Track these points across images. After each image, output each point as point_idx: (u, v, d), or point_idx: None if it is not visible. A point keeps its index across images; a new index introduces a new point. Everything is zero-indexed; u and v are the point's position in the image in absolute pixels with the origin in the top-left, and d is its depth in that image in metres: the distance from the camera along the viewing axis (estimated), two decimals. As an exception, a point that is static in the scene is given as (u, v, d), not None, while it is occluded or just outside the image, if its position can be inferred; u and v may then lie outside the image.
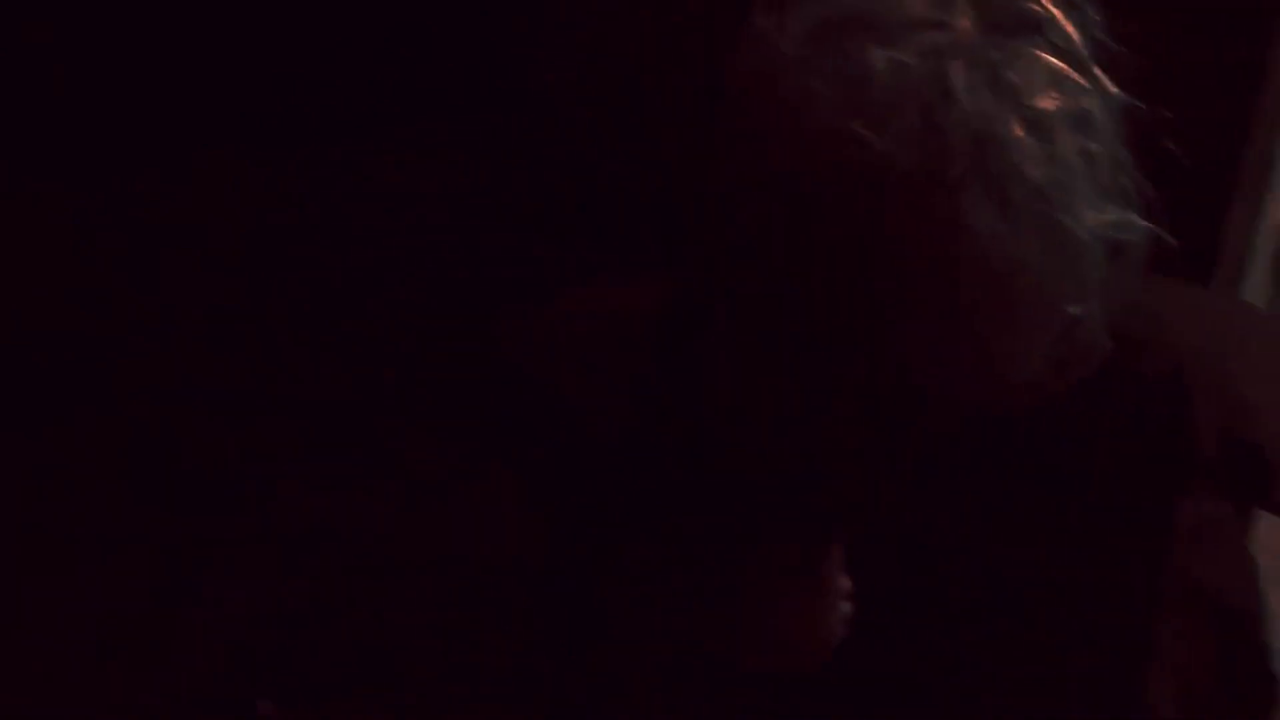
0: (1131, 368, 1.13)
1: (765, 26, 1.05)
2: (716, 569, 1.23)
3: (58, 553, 1.93)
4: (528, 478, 1.41)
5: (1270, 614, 1.30)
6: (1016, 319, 1.02)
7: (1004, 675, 1.24)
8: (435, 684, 1.84)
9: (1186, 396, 1.18)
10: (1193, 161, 1.13)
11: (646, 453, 1.26)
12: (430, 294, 2.30)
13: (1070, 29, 1.02)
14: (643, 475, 1.27)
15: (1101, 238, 1.03)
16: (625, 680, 1.37)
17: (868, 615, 1.22)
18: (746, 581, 1.21)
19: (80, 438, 2.03)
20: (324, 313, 2.26)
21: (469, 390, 1.86)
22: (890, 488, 1.18)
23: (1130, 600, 1.23)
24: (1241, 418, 1.22)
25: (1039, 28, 1.02)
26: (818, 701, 1.26)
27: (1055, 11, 1.01)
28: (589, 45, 2.05)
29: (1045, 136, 1.00)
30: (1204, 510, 1.23)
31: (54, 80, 2.20)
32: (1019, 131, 0.99)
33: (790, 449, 1.14)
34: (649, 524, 1.28)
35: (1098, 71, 1.02)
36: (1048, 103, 1.00)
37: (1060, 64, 1.01)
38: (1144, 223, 1.06)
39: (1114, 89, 1.03)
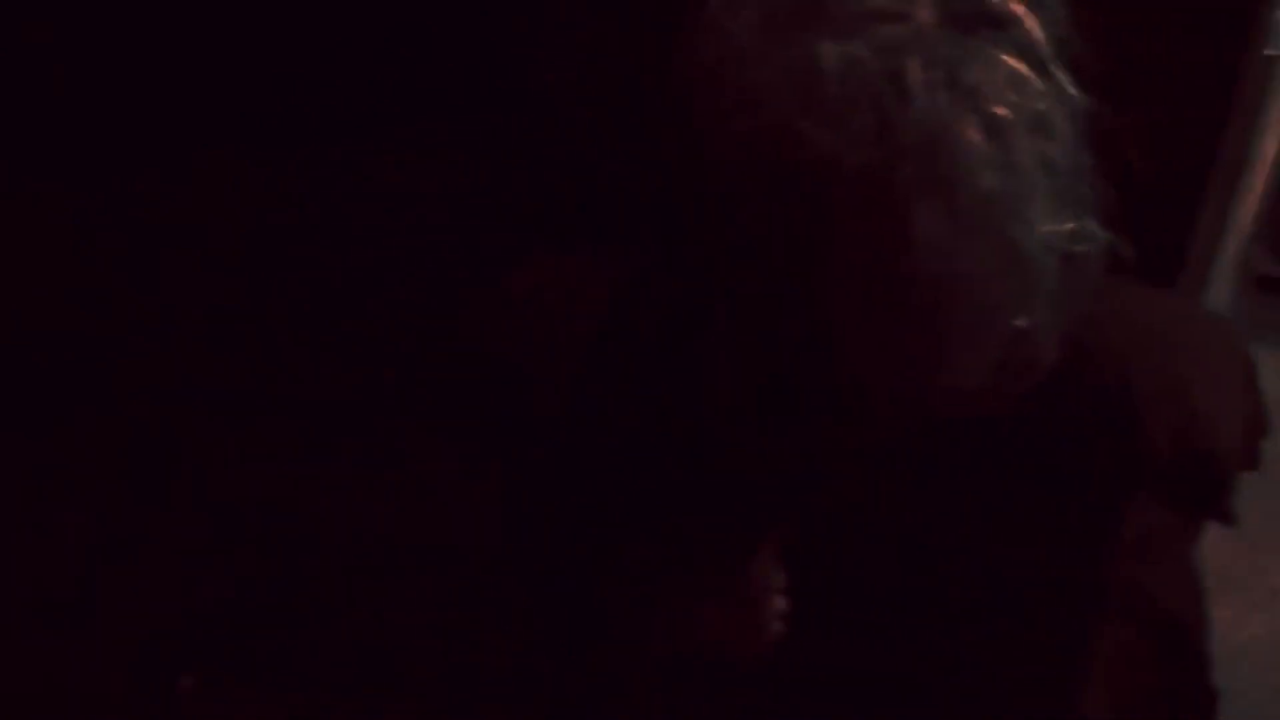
0: (1081, 376, 1.08)
1: (718, 15, 0.99)
2: (645, 563, 1.18)
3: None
4: (489, 461, 1.38)
5: (1214, 626, 1.25)
6: (960, 328, 0.96)
7: (936, 680, 1.18)
8: (393, 673, 1.79)
9: (1135, 404, 1.13)
10: (1160, 166, 1.07)
11: (592, 434, 1.21)
12: (429, 293, 2.24)
13: (1034, 28, 0.96)
14: (587, 458, 1.22)
15: (1055, 248, 0.97)
16: (608, 672, 1.33)
17: (806, 615, 1.17)
18: (672, 576, 1.16)
19: (79, 437, 2.01)
20: (323, 312, 2.19)
21: (454, 381, 1.82)
22: (831, 488, 1.13)
23: (1070, 609, 1.17)
24: (1194, 426, 1.16)
25: (1002, 25, 0.96)
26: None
27: (1019, 9, 0.96)
28: (589, 45, 1.99)
29: (1001, 141, 0.94)
30: (1151, 520, 1.17)
31: (54, 80, 2.12)
32: (974, 135, 0.93)
33: (728, 442, 1.09)
34: (595, 509, 1.23)
35: (1060, 74, 0.96)
36: (1006, 106, 0.94)
37: (1021, 65, 0.95)
38: (1102, 233, 1.00)
39: (1076, 92, 0.97)
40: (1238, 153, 1.62)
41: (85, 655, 1.84)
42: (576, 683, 1.39)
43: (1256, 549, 2.20)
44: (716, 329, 1.02)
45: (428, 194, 2.28)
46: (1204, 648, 1.25)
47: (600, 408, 1.21)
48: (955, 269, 0.93)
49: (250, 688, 1.75)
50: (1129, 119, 0.96)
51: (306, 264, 2.26)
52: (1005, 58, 0.94)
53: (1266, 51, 1.60)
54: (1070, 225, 0.97)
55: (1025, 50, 0.95)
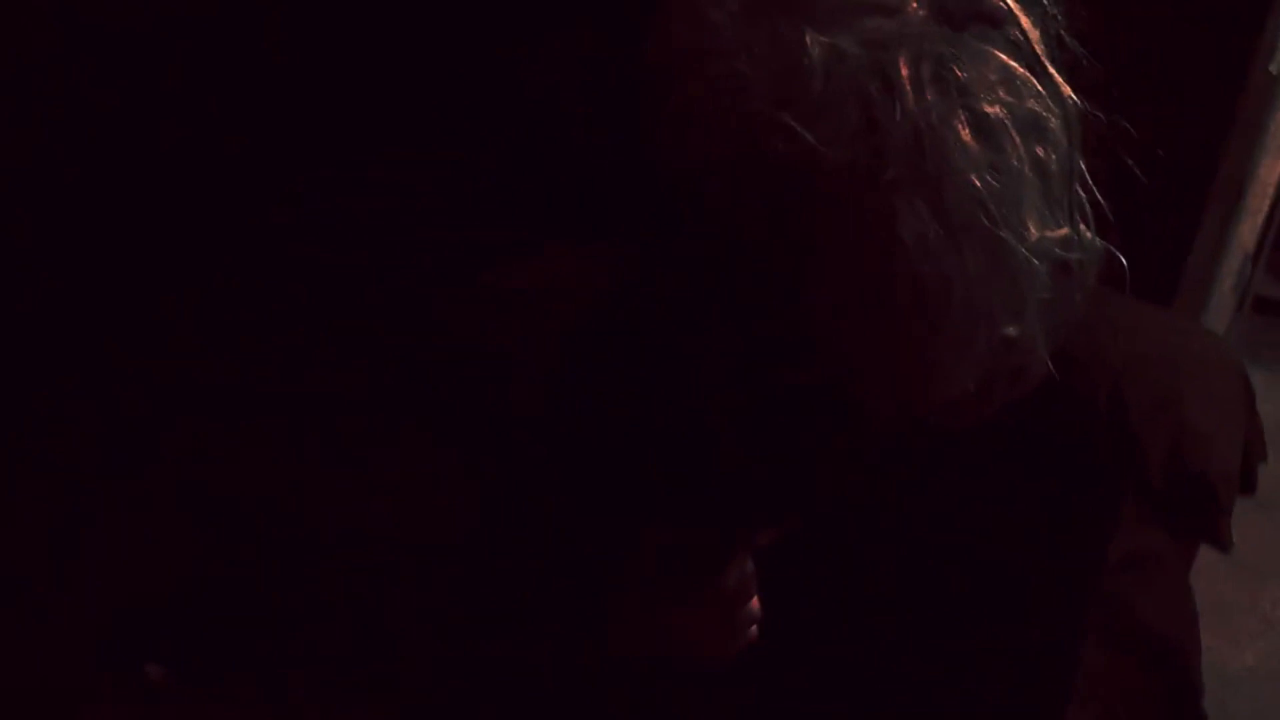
0: (1071, 388, 1.01)
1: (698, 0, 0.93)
2: (621, 559, 1.13)
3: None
4: (468, 454, 1.34)
5: (1205, 654, 1.18)
6: (945, 335, 0.89)
7: (917, 699, 1.12)
8: (353, 660, 1.72)
9: (1128, 420, 1.06)
10: (1159, 177, 1.01)
11: (574, 430, 1.17)
12: (416, 285, 2.18)
13: (1029, 27, 0.90)
14: (568, 454, 1.18)
15: (1047, 255, 0.91)
16: (590, 669, 1.28)
17: (786, 619, 1.11)
18: (647, 573, 1.11)
19: (73, 432, 1.95)
20: (307, 303, 2.15)
21: (436, 372, 1.77)
22: (812, 493, 1.07)
23: (1055, 629, 1.10)
24: (1188, 445, 1.09)
25: (995, 22, 0.90)
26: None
27: (1014, 6, 0.90)
28: (583, 38, 1.94)
29: (992, 142, 0.87)
30: (1142, 541, 1.11)
31: (54, 79, 2.04)
32: (964, 134, 0.87)
33: (711, 441, 1.03)
34: (574, 506, 1.18)
35: (1056, 75, 0.91)
36: (997, 105, 0.88)
37: (1014, 64, 0.89)
38: (1097, 242, 0.94)
39: (1072, 95, 0.91)
40: (1238, 171, 1.55)
41: (49, 636, 1.79)
42: (557, 681, 1.34)
43: (1252, 576, 2.11)
44: (699, 326, 0.97)
45: (418, 188, 2.23)
46: (1194, 676, 1.17)
47: (583, 403, 1.16)
48: (941, 272, 0.87)
49: (221, 679, 1.70)
50: (1127, 125, 0.90)
51: (307, 264, 2.21)
52: (998, 55, 0.88)
53: (1268, 68, 1.52)
54: (1063, 232, 0.91)
55: (1019, 49, 0.89)
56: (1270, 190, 1.67)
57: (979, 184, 0.86)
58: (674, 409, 1.04)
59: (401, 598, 1.75)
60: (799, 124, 0.85)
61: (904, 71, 0.86)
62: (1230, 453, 1.10)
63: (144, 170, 2.23)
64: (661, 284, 1.00)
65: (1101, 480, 1.05)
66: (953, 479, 1.03)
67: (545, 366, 1.23)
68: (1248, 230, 1.68)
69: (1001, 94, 0.87)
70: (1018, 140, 0.88)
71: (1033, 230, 0.89)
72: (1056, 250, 0.90)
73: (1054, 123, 0.89)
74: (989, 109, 0.87)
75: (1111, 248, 0.92)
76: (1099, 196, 0.91)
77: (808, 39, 0.85)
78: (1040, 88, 0.89)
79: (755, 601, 1.07)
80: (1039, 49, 0.89)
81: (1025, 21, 0.89)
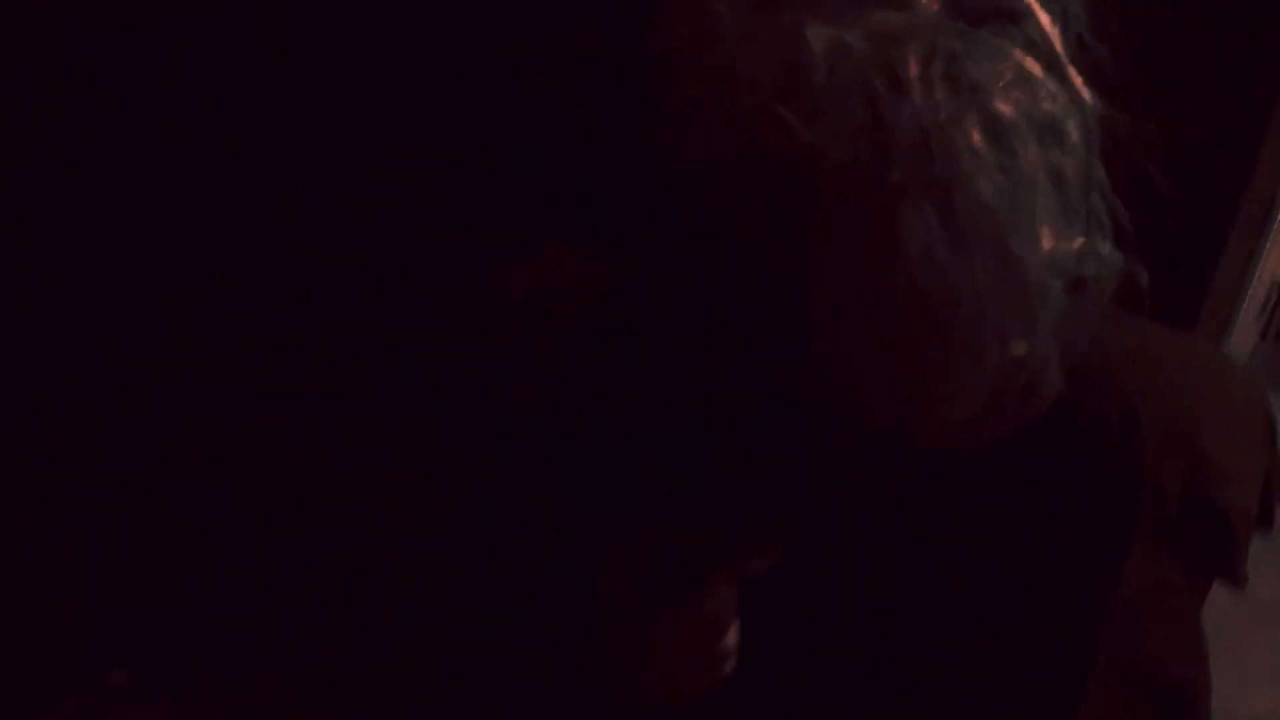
0: (1083, 411, 0.91)
1: None
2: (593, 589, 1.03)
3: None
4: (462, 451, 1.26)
5: (1216, 695, 1.07)
6: (949, 351, 0.79)
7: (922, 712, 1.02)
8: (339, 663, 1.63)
9: (1141, 446, 0.96)
10: (1185, 189, 0.90)
11: (569, 433, 1.08)
12: (417, 284, 2.10)
13: (1048, 25, 0.80)
14: (562, 458, 1.09)
15: (1061, 268, 0.81)
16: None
17: (776, 654, 1.02)
18: (613, 599, 1.01)
19: (73, 432, 1.87)
20: (322, 311, 2.05)
21: (434, 372, 1.70)
22: (810, 498, 0.97)
23: (1060, 664, 1.00)
24: (1204, 475, 0.99)
25: (1012, 19, 0.80)
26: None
27: (1032, 3, 0.80)
28: (588, 44, 1.85)
29: (1004, 145, 0.77)
30: (1154, 574, 1.00)
31: (54, 79, 2.00)
32: (975, 136, 0.76)
33: (706, 448, 0.93)
34: (567, 510, 1.10)
35: (1075, 76, 0.80)
36: (1012, 107, 0.78)
37: (1031, 64, 0.79)
38: (1116, 256, 0.83)
39: (1092, 98, 0.81)
40: (1270, 185, 1.42)
41: (41, 631, 1.70)
42: (557, 681, 1.25)
43: (1268, 614, 1.96)
44: (699, 326, 0.87)
45: (418, 188, 2.14)
46: (1204, 715, 1.07)
47: (584, 403, 1.07)
48: (945, 283, 0.76)
49: (189, 687, 1.60)
50: (1150, 132, 0.80)
51: (307, 264, 2.12)
52: (1014, 54, 0.78)
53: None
54: (1079, 244, 0.81)
55: (1037, 48, 0.78)
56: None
57: (989, 189, 0.76)
58: (674, 409, 0.96)
59: (401, 598, 1.67)
60: (799, 119, 0.75)
61: (913, 68, 0.76)
62: (1249, 486, 1.00)
63: (144, 170, 2.15)
64: (661, 284, 0.91)
65: (1113, 507, 0.95)
66: (958, 498, 0.93)
67: (545, 366, 1.16)
68: (1274, 257, 1.56)
69: (1016, 95, 0.77)
70: (1033, 145, 0.78)
71: (1047, 241, 0.79)
72: (1072, 264, 0.80)
73: (1072, 127, 0.79)
74: (1002, 110, 0.77)
75: (1131, 263, 0.82)
76: (1120, 207, 0.81)
77: (810, 30, 0.75)
78: (1058, 90, 0.79)
79: (733, 636, 0.97)
80: (1058, 49, 0.79)
81: (1044, 19, 0.78)
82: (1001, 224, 0.77)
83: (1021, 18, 0.78)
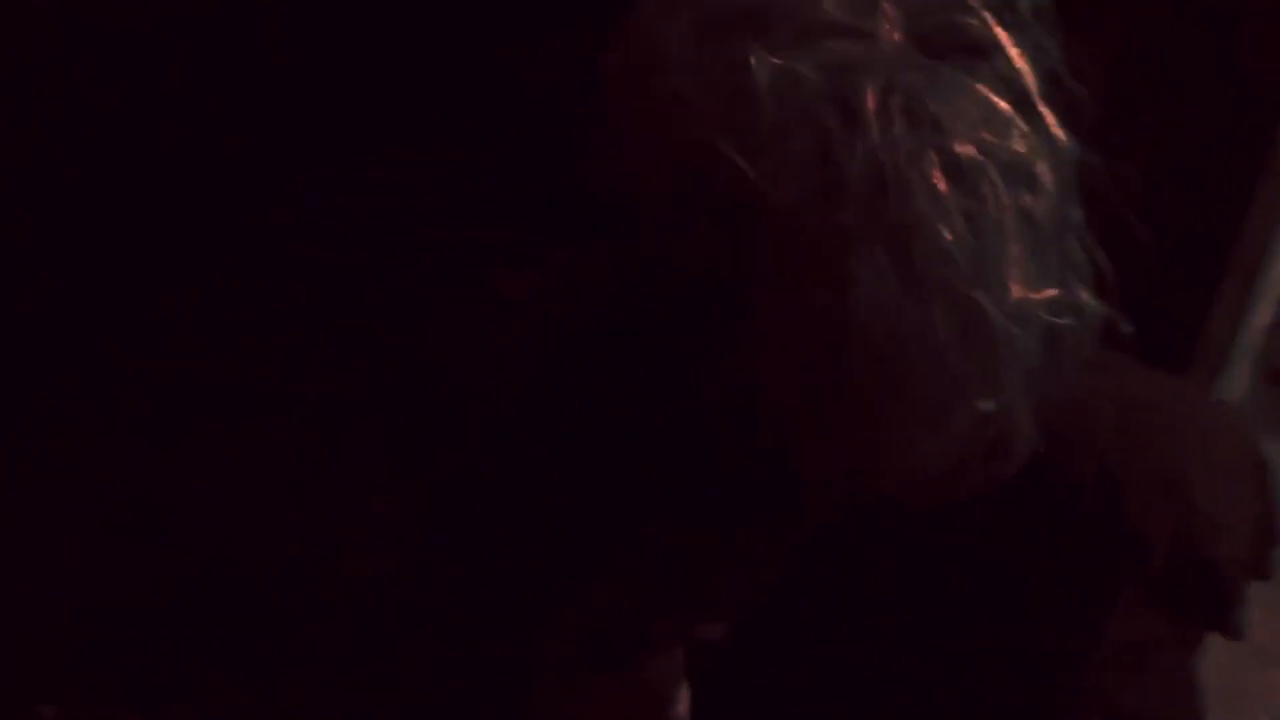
0: (1060, 467, 0.82)
1: (651, 14, 0.74)
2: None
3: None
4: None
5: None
6: (904, 406, 0.70)
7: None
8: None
9: (1123, 501, 0.87)
10: (1178, 228, 0.80)
11: (571, 431, 1.01)
12: (396, 297, 2.01)
13: (1018, 58, 0.70)
14: (566, 455, 1.02)
15: (1031, 319, 0.71)
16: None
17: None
18: (558, 662, 0.93)
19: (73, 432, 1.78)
20: (322, 311, 1.97)
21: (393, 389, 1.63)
22: (762, 582, 0.88)
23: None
24: (1193, 528, 0.89)
25: (981, 53, 0.70)
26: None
27: (1001, 35, 0.70)
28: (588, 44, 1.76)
29: (968, 187, 0.68)
30: (1144, 629, 0.91)
31: (54, 79, 1.93)
32: (935, 177, 0.67)
33: (704, 444, 0.84)
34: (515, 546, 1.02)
35: (1047, 113, 0.71)
36: (977, 146, 0.69)
37: (999, 100, 0.70)
38: (1093, 304, 0.74)
39: (1066, 137, 0.71)
40: (1262, 234, 1.29)
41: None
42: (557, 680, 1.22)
43: (1264, 661, 1.81)
44: (634, 367, 0.79)
45: (418, 188, 2.06)
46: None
47: (584, 403, 0.99)
48: (899, 335, 0.68)
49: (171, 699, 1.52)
50: (1132, 172, 0.70)
51: (306, 264, 2.04)
52: (979, 90, 0.68)
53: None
54: (1051, 292, 0.71)
55: (1006, 84, 0.69)
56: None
57: (950, 234, 0.67)
58: (674, 408, 0.87)
59: (401, 598, 1.61)
60: (744, 156, 0.66)
61: (869, 102, 0.66)
62: (1240, 535, 0.90)
63: (144, 170, 2.09)
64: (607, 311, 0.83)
65: (1092, 567, 0.86)
66: (923, 564, 0.84)
67: (545, 366, 1.07)
68: (1270, 298, 1.43)
69: (982, 134, 0.68)
70: (1000, 187, 0.69)
71: (1015, 290, 0.70)
72: (1043, 314, 0.71)
73: (1043, 168, 0.70)
74: (966, 150, 0.68)
75: (1113, 312, 0.72)
76: (1098, 250, 0.72)
77: (758, 60, 0.66)
78: (1028, 128, 0.70)
79: (683, 706, 0.88)
80: (1029, 84, 0.70)
81: (1014, 53, 0.69)
82: (963, 272, 0.67)
83: (989, 51, 0.68)
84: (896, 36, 0.68)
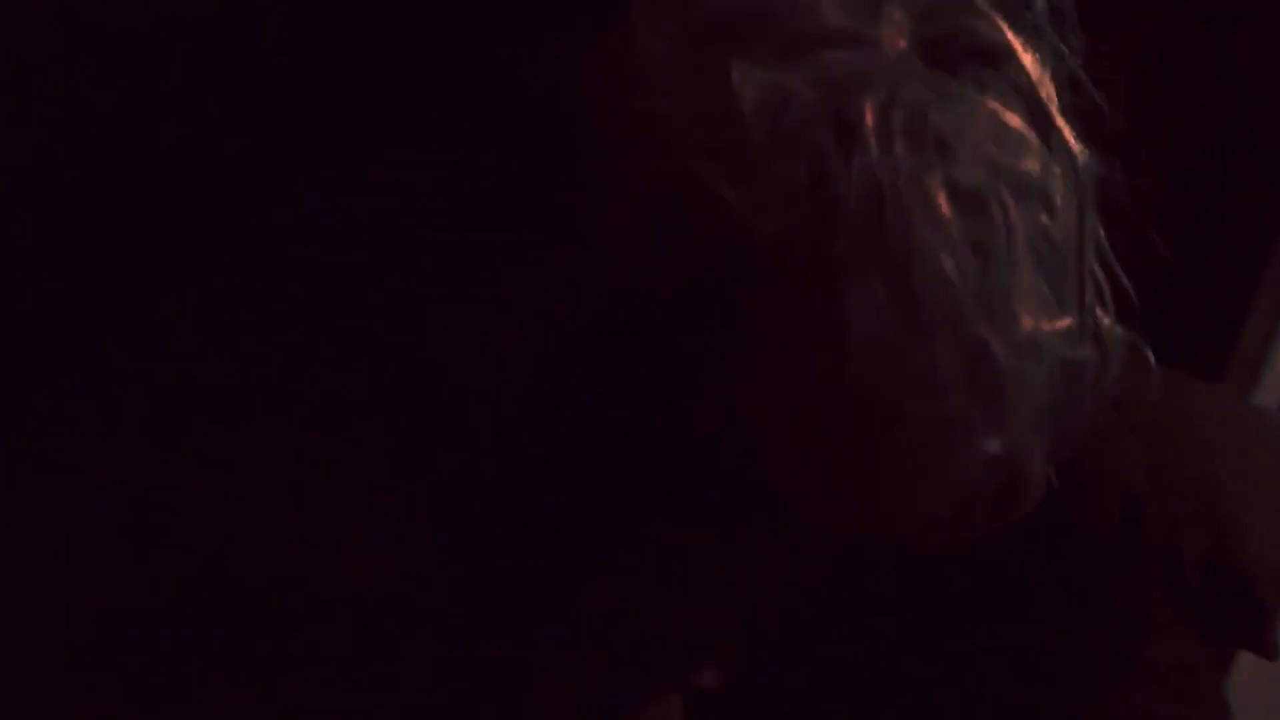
0: (1083, 507, 0.73)
1: (637, 22, 0.66)
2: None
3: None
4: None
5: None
6: (904, 448, 0.62)
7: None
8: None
9: (1149, 524, 0.78)
10: (1211, 234, 0.72)
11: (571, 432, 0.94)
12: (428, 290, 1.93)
13: (1034, 67, 0.61)
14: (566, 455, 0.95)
15: (1045, 352, 0.63)
16: None
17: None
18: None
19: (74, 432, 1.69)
20: (322, 311, 1.90)
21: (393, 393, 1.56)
22: (761, 630, 0.79)
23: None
24: (1228, 543, 0.81)
25: (993, 61, 0.62)
26: None
27: (1014, 42, 0.61)
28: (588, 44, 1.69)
29: (977, 211, 0.60)
30: (1174, 649, 0.83)
31: (54, 79, 1.81)
32: (939, 200, 0.59)
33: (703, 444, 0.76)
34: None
35: (1065, 127, 0.62)
36: (986, 165, 0.60)
37: (1014, 113, 0.61)
38: (1118, 332, 0.65)
39: (1087, 151, 0.63)
40: None
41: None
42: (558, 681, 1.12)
43: None
44: (635, 366, 0.71)
45: (418, 188, 2.00)
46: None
47: (584, 403, 0.92)
48: (898, 372, 0.59)
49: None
50: (1160, 189, 0.61)
51: (307, 264, 1.96)
52: (990, 104, 0.59)
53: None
54: (1066, 323, 0.63)
55: (1020, 95, 0.60)
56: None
57: (955, 263, 0.58)
58: (673, 408, 0.80)
59: (400, 600, 1.55)
60: (728, 181, 0.58)
61: (868, 119, 0.58)
62: (1277, 549, 0.82)
63: (144, 170, 2.02)
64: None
65: (1117, 593, 0.77)
66: (936, 607, 0.75)
67: (545, 366, 1.02)
68: None
69: (991, 152, 0.59)
70: (1010, 209, 0.60)
71: (1026, 322, 0.61)
72: (1059, 347, 0.62)
73: (1059, 187, 0.61)
74: (974, 170, 0.59)
75: (1137, 338, 0.64)
76: (1123, 275, 0.63)
77: (744, 74, 0.57)
78: (1043, 143, 0.61)
79: None
80: (1046, 94, 0.61)
81: (1029, 60, 0.60)
82: (968, 303, 0.59)
83: (1002, 60, 0.59)
84: (902, 43, 0.59)
